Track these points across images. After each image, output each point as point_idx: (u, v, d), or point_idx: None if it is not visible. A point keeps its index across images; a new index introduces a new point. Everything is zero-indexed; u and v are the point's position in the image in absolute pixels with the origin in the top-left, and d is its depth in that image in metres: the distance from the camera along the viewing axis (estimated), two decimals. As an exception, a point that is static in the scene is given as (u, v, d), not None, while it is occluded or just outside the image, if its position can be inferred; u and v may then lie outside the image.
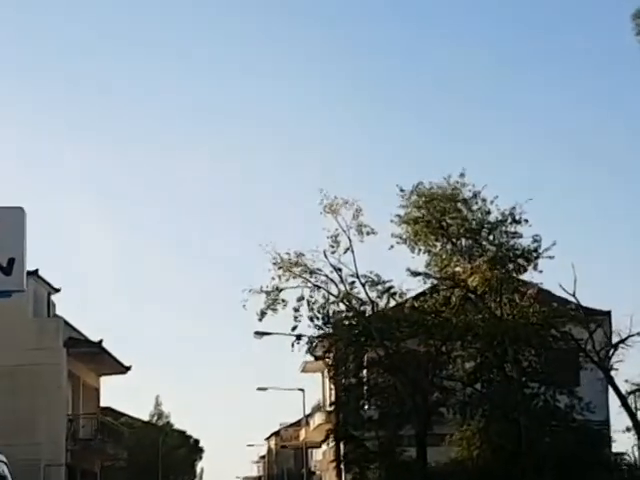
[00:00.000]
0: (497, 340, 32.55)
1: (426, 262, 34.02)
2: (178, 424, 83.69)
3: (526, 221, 32.95)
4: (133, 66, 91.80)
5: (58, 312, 42.77)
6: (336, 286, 34.06)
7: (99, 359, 42.38)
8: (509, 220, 33.24)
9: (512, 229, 33.23)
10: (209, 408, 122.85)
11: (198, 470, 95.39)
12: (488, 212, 33.53)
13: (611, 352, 31.89)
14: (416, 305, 33.94)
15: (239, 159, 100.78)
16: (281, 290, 33.67)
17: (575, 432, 32.41)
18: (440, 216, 33.26)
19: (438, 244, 33.87)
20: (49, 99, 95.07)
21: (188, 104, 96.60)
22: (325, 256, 33.80)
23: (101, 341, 41.25)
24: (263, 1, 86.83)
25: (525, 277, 33.34)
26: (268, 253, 33.68)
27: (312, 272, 33.82)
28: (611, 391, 33.70)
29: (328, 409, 45.12)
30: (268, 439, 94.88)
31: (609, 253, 77.78)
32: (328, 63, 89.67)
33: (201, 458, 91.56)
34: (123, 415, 65.24)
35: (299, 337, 33.99)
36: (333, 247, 33.72)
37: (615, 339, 32.30)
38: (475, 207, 33.56)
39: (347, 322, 34.71)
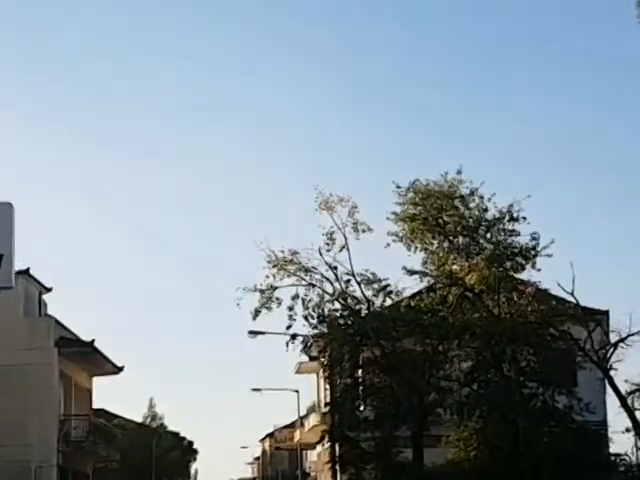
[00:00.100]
0: (495, 339, 32.27)
1: (423, 260, 33.75)
2: (172, 426, 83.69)
3: (524, 219, 32.66)
4: (133, 66, 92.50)
5: (50, 312, 42.37)
6: (331, 284, 33.78)
7: (91, 359, 42.02)
8: (507, 218, 32.84)
9: (510, 227, 32.89)
10: (203, 409, 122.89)
11: (192, 472, 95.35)
12: (485, 210, 33.16)
13: (610, 351, 31.48)
14: (412, 304, 33.69)
15: (238, 158, 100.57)
16: (275, 288, 33.34)
17: (574, 433, 32.12)
18: (437, 213, 32.90)
19: (435, 242, 33.51)
20: (49, 99, 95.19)
21: (188, 104, 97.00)
22: (320, 254, 33.48)
23: (93, 341, 40.86)
24: (263, 1, 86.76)
25: (523, 275, 33.05)
26: (262, 251, 33.40)
27: (307, 270, 33.47)
28: (608, 391, 33.37)
29: (323, 410, 44.85)
30: (262, 440, 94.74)
31: (606, 253, 77.82)
32: (327, 63, 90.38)
33: (195, 460, 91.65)
34: (116, 417, 65.00)
35: (294, 336, 33.67)
36: (328, 245, 33.42)
37: (614, 338, 31.94)
38: (472, 204, 33.20)
39: (342, 321, 34.39)
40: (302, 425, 56.19)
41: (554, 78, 78.89)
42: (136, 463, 63.63)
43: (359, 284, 33.70)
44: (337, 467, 36.78)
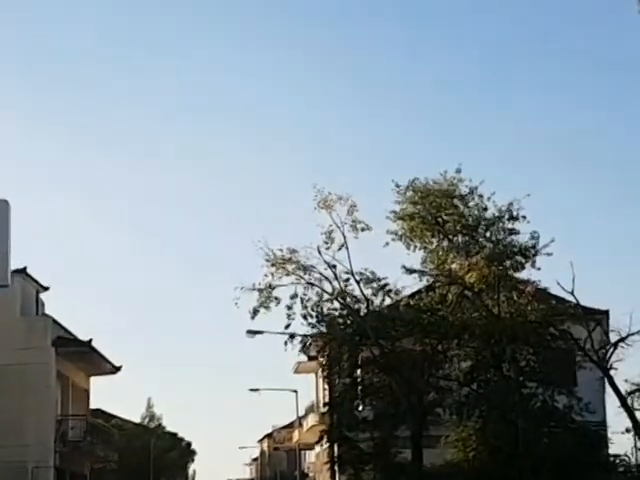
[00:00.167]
0: (494, 339, 32.14)
1: (422, 259, 33.57)
2: (170, 426, 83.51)
3: (524, 217, 32.43)
4: (133, 66, 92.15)
5: (47, 311, 42.15)
6: (330, 283, 33.64)
7: (89, 359, 41.82)
8: (506, 217, 32.64)
9: (509, 226, 32.67)
10: (201, 410, 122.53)
11: (190, 473, 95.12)
12: (485, 208, 32.95)
13: (610, 351, 31.28)
14: (412, 303, 33.54)
15: (238, 158, 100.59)
16: (274, 287, 33.20)
17: (573, 433, 31.97)
18: (436, 212, 32.71)
19: (434, 241, 33.31)
20: (49, 99, 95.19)
21: (188, 104, 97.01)
22: (319, 253, 33.36)
23: (90, 340, 40.66)
24: (263, 1, 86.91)
25: (523, 275, 32.84)
26: (261, 249, 33.23)
27: (306, 269, 33.32)
28: (608, 392, 33.25)
29: (322, 410, 44.64)
30: (261, 441, 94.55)
31: (606, 252, 77.73)
32: (327, 63, 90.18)
33: (193, 460, 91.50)
34: (114, 417, 64.79)
35: (292, 336, 33.53)
36: (327, 243, 33.28)
37: (614, 338, 31.74)
38: (472, 203, 33.00)
39: (341, 320, 34.23)
40: (301, 425, 56.02)
41: (554, 78, 79.11)
42: (134, 464, 63.47)
43: (358, 283, 33.57)
44: (336, 467, 36.64)
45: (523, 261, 32.37)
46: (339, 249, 33.31)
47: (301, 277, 33.40)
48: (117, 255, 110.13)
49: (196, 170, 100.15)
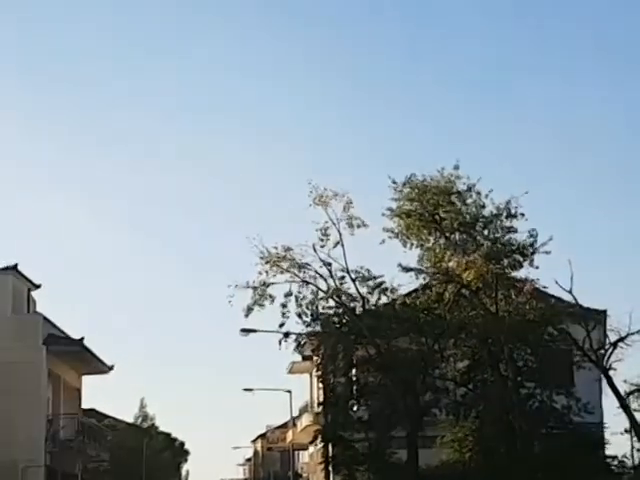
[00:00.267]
0: (492, 338, 31.89)
1: (418, 257, 33.13)
2: (163, 426, 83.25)
3: (522, 215, 31.99)
4: (133, 66, 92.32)
5: (39, 309, 41.79)
6: (325, 281, 33.23)
7: (80, 357, 41.49)
8: (504, 214, 32.24)
9: (507, 223, 32.25)
10: (195, 410, 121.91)
11: (183, 473, 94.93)
12: (483, 206, 32.54)
13: (610, 351, 30.90)
14: (408, 302, 33.18)
15: (238, 158, 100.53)
16: (268, 285, 32.78)
17: (571, 434, 31.73)
18: (433, 209, 32.30)
19: (431, 238, 32.90)
20: (49, 99, 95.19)
21: (188, 104, 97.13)
22: (314, 250, 32.91)
23: (82, 339, 40.31)
24: (263, 1, 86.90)
25: (521, 273, 32.44)
26: (255, 247, 32.78)
27: (300, 267, 32.91)
28: (605, 392, 32.95)
29: (316, 410, 44.38)
30: (254, 441, 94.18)
31: (605, 251, 77.60)
32: (327, 63, 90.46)
33: (186, 461, 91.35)
34: (107, 417, 64.56)
35: (287, 334, 33.14)
36: (322, 241, 32.84)
37: (613, 338, 31.33)
38: (469, 200, 32.58)
39: (336, 319, 33.87)
40: (294, 426, 55.81)
41: (554, 75, 79.37)
42: (127, 464, 63.10)
43: (354, 281, 33.21)
44: (330, 468, 36.30)
45: (521, 259, 32.01)
46: (334, 246, 32.93)
47: (296, 275, 33.02)
48: (116, 254, 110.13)
49: (196, 170, 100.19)
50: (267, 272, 32.80)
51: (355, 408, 34.79)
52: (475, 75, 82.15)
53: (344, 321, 33.76)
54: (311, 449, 51.77)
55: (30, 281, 41.02)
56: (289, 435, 60.40)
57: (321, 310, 33.45)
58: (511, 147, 79.58)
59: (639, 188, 73.82)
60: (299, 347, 34.30)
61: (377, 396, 34.05)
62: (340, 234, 32.73)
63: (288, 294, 32.94)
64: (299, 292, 33.08)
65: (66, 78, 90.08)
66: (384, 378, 33.63)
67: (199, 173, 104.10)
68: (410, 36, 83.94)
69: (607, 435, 35.30)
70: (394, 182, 32.61)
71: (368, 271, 33.22)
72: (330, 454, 35.81)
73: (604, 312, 34.55)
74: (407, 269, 32.78)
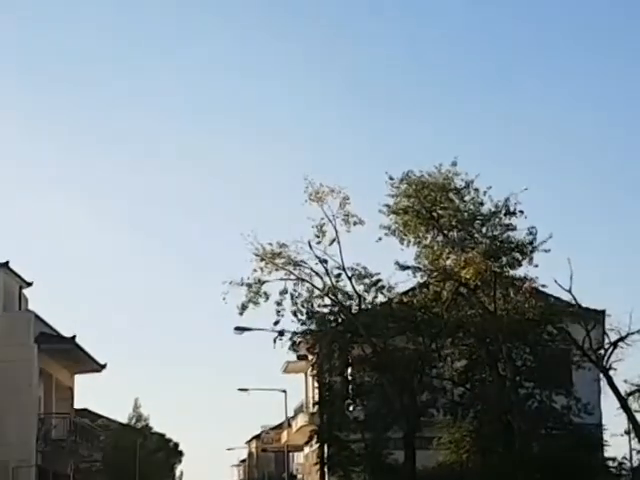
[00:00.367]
0: (490, 337, 31.58)
1: (416, 254, 32.69)
2: (158, 427, 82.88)
3: (521, 212, 31.57)
4: (133, 66, 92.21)
5: (31, 307, 41.40)
6: (321, 279, 32.87)
7: (72, 356, 41.10)
8: (503, 212, 31.83)
9: (506, 221, 31.84)
10: (189, 410, 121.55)
11: (177, 474, 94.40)
12: (481, 203, 32.13)
13: (610, 350, 30.48)
14: (405, 300, 32.89)
15: (238, 158, 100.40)
16: (263, 283, 32.40)
17: (570, 435, 31.48)
18: (431, 206, 31.87)
19: (428, 236, 32.43)
20: (49, 99, 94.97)
21: (188, 104, 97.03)
22: (310, 247, 32.55)
23: (74, 337, 39.82)
24: (263, 1, 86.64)
25: (520, 271, 32.02)
26: (250, 244, 32.38)
27: (296, 264, 32.54)
28: (604, 393, 32.50)
29: (311, 410, 44.07)
30: (249, 442, 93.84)
31: (605, 251, 77.33)
32: (327, 63, 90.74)
33: (180, 462, 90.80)
34: (100, 417, 64.24)
35: (282, 333, 32.80)
36: (318, 237, 32.46)
37: (613, 337, 30.91)
38: (468, 197, 32.17)
39: (332, 317, 33.52)
40: (289, 426, 55.64)
41: (553, 72, 79.81)
42: (120, 464, 62.82)
43: (350, 279, 32.86)
44: (325, 469, 36.12)
45: (520, 258, 31.61)
46: (330, 244, 32.55)
47: (291, 272, 32.67)
48: (112, 254, 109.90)
49: (196, 170, 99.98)
50: (262, 269, 32.48)
51: (351, 408, 34.54)
52: (475, 75, 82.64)
53: (340, 319, 33.43)
54: (306, 450, 51.56)
55: (21, 278, 40.64)
56: (284, 436, 60.14)
57: (317, 308, 33.16)
58: (510, 144, 79.59)
59: (639, 187, 73.83)
60: (294, 346, 33.89)
61: (373, 396, 33.77)
62: (336, 231, 32.42)
63: (283, 292, 32.65)
64: (294, 290, 32.82)
65: (66, 78, 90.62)
66: (380, 377, 33.33)
67: (199, 173, 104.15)
68: (410, 36, 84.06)
69: (606, 436, 35.19)
70: (391, 178, 32.27)
71: (364, 269, 32.93)
72: (325, 455, 35.56)
73: (603, 312, 34.15)
74: (404, 267, 32.44)
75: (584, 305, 31.91)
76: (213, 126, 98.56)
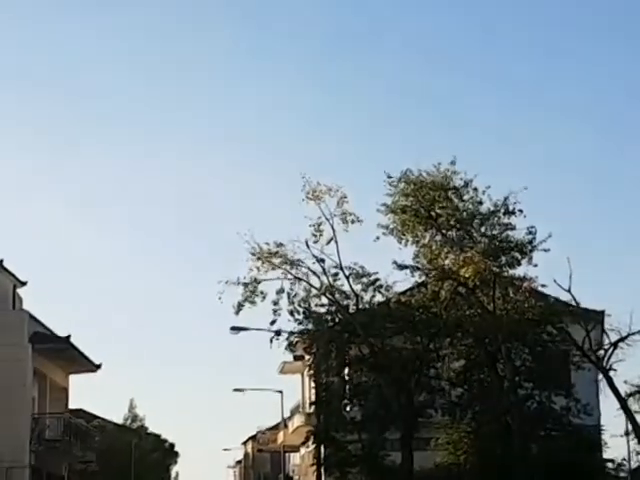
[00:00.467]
0: (489, 337, 31.45)
1: (414, 254, 32.62)
2: (153, 427, 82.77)
3: (520, 211, 31.41)
4: (132, 67, 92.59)
5: (25, 307, 41.08)
6: (318, 278, 32.80)
7: (67, 356, 40.76)
8: (502, 211, 31.63)
9: (505, 220, 31.68)
10: (185, 410, 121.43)
11: (173, 475, 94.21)
12: (480, 202, 32.04)
13: (610, 351, 30.23)
14: (403, 300, 32.79)
15: (238, 158, 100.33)
16: (260, 282, 32.33)
17: (570, 436, 31.37)
18: (429, 205, 31.76)
19: (427, 235, 32.34)
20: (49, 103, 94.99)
21: (188, 103, 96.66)
22: (307, 246, 32.53)
23: (69, 336, 39.49)
24: (264, 2, 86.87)
25: (519, 271, 31.85)
26: (247, 242, 32.25)
27: (293, 263, 32.41)
28: (602, 394, 32.16)
29: (308, 411, 43.84)
30: (245, 443, 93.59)
31: (605, 251, 77.15)
32: (327, 61, 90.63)
33: (176, 462, 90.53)
34: (96, 417, 63.80)
35: (278, 332, 32.70)
36: (315, 236, 32.39)
37: (614, 338, 30.67)
38: (466, 197, 32.08)
39: (329, 317, 33.43)
40: (286, 427, 55.35)
41: (553, 70, 79.61)
42: (116, 465, 62.52)
43: (347, 278, 32.79)
44: (322, 470, 35.93)
45: (519, 257, 31.42)
46: (328, 242, 32.50)
47: (288, 271, 32.57)
48: (108, 254, 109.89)
49: (196, 170, 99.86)
50: (258, 268, 32.43)
51: (348, 408, 34.41)
52: (475, 73, 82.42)
53: (337, 319, 33.35)
54: (302, 451, 51.38)
55: (16, 277, 40.33)
56: (280, 436, 59.87)
57: (314, 308, 33.12)
58: (510, 143, 79.53)
59: (639, 187, 73.84)
60: (291, 346, 33.81)
61: (371, 396, 33.61)
62: (334, 230, 32.39)
63: (280, 291, 32.59)
64: (291, 289, 32.80)
65: (66, 85, 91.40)
66: (378, 378, 33.21)
67: (199, 173, 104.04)
68: (408, 33, 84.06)
69: (606, 438, 34.99)
70: (389, 177, 32.17)
71: (362, 268, 32.90)
72: (322, 456, 35.38)
73: (602, 312, 33.92)
74: (402, 266, 32.34)
75: (583, 305, 31.77)
76: (213, 126, 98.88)
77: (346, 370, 34.43)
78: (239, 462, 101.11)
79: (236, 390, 52.48)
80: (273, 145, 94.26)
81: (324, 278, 32.66)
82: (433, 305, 32.14)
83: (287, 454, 62.94)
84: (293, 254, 32.40)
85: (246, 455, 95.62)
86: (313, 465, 36.78)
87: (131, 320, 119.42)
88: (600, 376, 30.97)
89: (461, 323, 31.64)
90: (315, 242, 32.37)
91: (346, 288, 32.87)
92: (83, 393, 63.26)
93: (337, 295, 32.94)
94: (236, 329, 35.59)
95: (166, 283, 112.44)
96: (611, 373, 30.37)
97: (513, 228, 31.66)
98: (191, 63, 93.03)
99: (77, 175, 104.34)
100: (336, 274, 32.67)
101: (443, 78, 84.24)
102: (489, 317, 30.77)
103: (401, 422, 32.27)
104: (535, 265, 31.45)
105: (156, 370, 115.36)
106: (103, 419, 66.54)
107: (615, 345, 30.07)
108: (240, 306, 32.02)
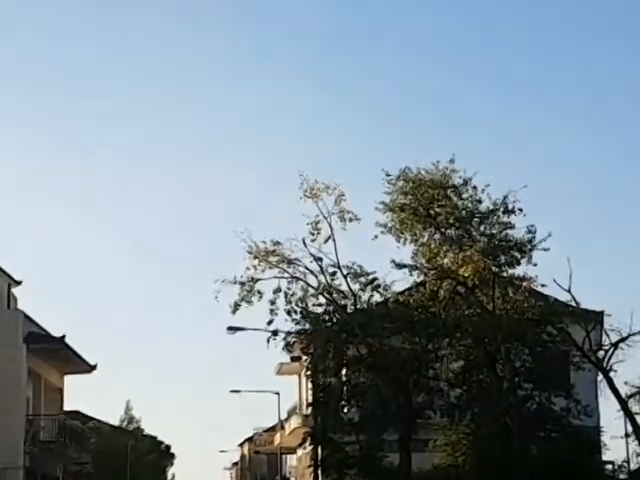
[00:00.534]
0: (488, 337, 31.22)
1: (412, 253, 32.38)
2: (149, 429, 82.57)
3: (520, 210, 31.17)
4: (132, 67, 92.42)
5: (20, 306, 40.75)
6: (316, 277, 32.62)
7: (62, 356, 40.37)
8: (501, 210, 31.39)
9: (505, 219, 31.46)
10: (181, 412, 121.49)
11: (169, 476, 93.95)
12: (479, 201, 31.83)
13: (610, 351, 29.98)
14: (401, 299, 32.56)
15: (238, 158, 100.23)
16: (256, 281, 32.10)
17: (569, 437, 31.18)
18: (428, 203, 31.52)
19: (426, 233, 32.10)
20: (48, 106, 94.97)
21: (188, 104, 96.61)
22: (304, 244, 32.28)
23: (64, 337, 39.09)
24: (264, 2, 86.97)
25: (519, 270, 31.66)
26: (243, 241, 32.04)
27: (290, 262, 32.18)
28: (602, 395, 31.96)
29: (305, 412, 43.60)
30: (241, 445, 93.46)
31: (605, 250, 77.03)
32: (326, 61, 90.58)
33: (172, 464, 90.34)
34: (92, 419, 63.52)
35: (275, 332, 32.49)
36: (313, 235, 32.18)
37: (614, 338, 30.44)
38: (465, 195, 31.86)
39: (327, 316, 33.25)
40: (282, 428, 55.24)
41: (553, 68, 79.58)
42: (111, 467, 62.22)
43: (345, 277, 32.60)
44: (319, 471, 35.70)
45: (519, 256, 31.17)
46: (326, 241, 32.27)
47: (285, 270, 32.35)
48: (105, 254, 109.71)
49: (196, 170, 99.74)
50: (255, 267, 32.23)
51: (346, 409, 34.14)
52: (475, 73, 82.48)
53: (335, 319, 33.14)
54: (299, 452, 51.19)
55: (10, 277, 40.00)
56: (277, 438, 59.75)
57: (311, 307, 32.98)
58: (510, 143, 79.49)
59: (639, 187, 73.72)
60: (288, 346, 33.58)
61: (369, 397, 33.39)
62: (331, 228, 32.17)
63: (277, 290, 32.40)
64: (288, 288, 32.61)
65: (65, 89, 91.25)
66: (376, 378, 33.02)
67: (199, 173, 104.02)
68: (408, 33, 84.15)
69: (606, 439, 34.86)
70: (388, 175, 31.96)
71: (360, 267, 32.73)
72: (319, 457, 35.18)
73: (601, 313, 33.69)
74: (401, 265, 32.17)
75: (583, 305, 31.56)
76: (213, 126, 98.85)
77: (344, 371, 34.17)
78: (235, 464, 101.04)
79: (233, 391, 52.41)
80: (273, 145, 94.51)
81: (322, 277, 32.52)
82: (432, 305, 31.91)
83: (284, 456, 62.86)
84: (290, 252, 32.26)
85: (243, 457, 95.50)
86: (310, 467, 36.55)
87: (128, 321, 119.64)
88: (600, 377, 30.81)
89: (460, 323, 31.42)
90: (313, 241, 32.22)
91: (344, 287, 32.75)
92: (79, 394, 63.15)
93: (335, 295, 32.73)
94: (233, 329, 35.25)
95: (161, 284, 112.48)
96: (611, 374, 30.23)
97: (512, 227, 31.47)
98: (191, 63, 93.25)
99: (77, 175, 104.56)
100: (334, 273, 32.51)
101: (443, 78, 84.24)
102: (488, 317, 30.55)
103: (399, 423, 32.06)
104: (535, 265, 31.33)
105: (153, 371, 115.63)
106: (99, 420, 66.34)
107: (615, 346, 29.86)
108: (237, 305, 31.83)
